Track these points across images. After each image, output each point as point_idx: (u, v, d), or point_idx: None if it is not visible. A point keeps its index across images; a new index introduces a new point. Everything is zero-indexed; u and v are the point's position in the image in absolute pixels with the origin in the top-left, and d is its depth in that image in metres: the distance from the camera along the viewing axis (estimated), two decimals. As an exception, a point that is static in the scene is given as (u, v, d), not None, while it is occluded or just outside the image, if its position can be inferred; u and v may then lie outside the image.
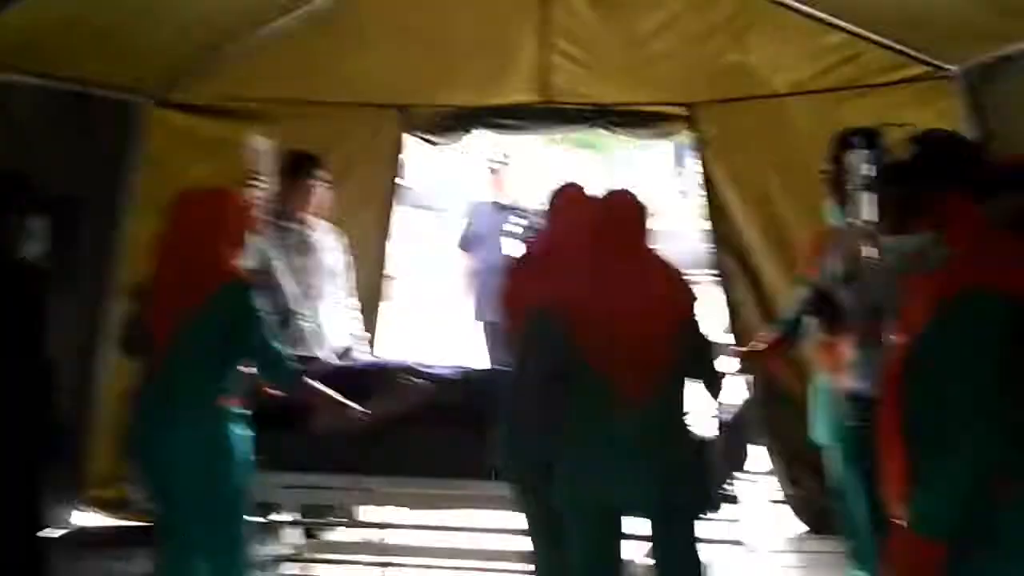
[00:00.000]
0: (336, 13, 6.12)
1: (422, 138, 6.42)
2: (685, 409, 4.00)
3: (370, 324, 6.33)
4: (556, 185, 4.46)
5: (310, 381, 4.37)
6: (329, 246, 5.72)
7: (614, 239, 3.97)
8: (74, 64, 5.35)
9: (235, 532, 4.13)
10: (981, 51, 5.20)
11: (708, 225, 6.19)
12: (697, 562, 3.96)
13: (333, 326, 5.64)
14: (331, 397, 4.44)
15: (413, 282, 8.98)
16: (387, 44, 6.15)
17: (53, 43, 4.99)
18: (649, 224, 4.03)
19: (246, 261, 4.25)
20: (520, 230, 7.38)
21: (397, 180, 6.44)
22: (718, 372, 4.14)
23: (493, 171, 7.58)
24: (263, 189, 5.24)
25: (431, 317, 10.77)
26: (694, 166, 6.36)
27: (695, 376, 4.01)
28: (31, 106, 5.21)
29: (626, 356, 3.83)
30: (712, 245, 6.20)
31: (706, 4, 5.96)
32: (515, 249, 7.21)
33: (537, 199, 7.55)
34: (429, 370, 4.92)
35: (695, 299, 4.00)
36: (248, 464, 4.14)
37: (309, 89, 6.23)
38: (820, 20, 5.80)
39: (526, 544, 4.39)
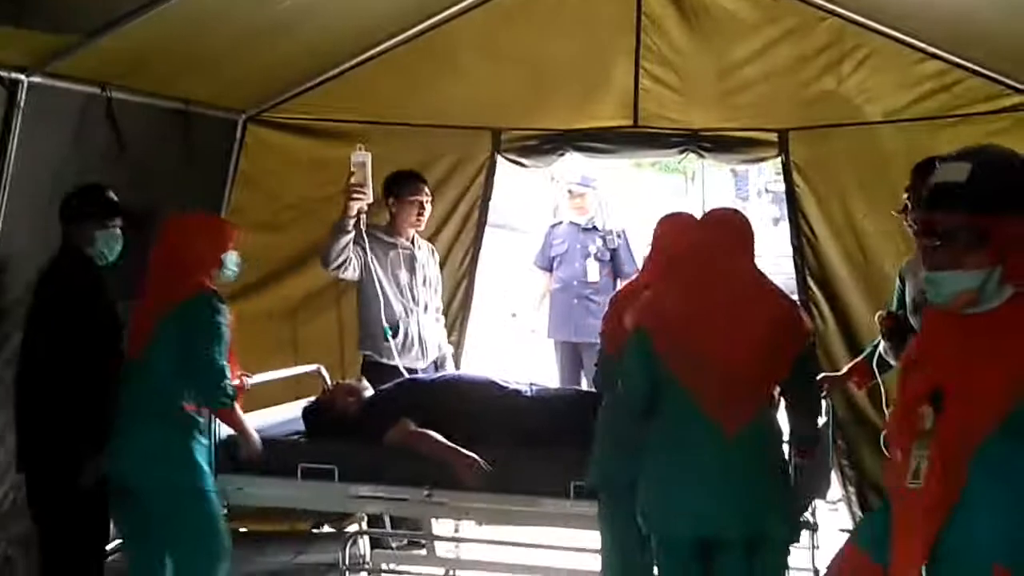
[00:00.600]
0: (432, 38, 6.23)
1: (513, 160, 6.49)
2: (776, 437, 4.00)
3: (458, 341, 6.47)
4: (664, 213, 4.44)
5: (429, 432, 4.67)
6: (429, 261, 5.89)
7: (719, 262, 3.93)
8: (177, 84, 5.53)
9: (196, 535, 4.35)
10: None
11: (794, 251, 6.19)
12: None
13: (434, 337, 5.86)
14: (445, 446, 4.63)
15: (495, 300, 9.07)
16: (481, 68, 6.25)
17: (158, 64, 5.18)
18: (754, 246, 3.99)
19: (220, 279, 4.52)
20: (599, 251, 7.47)
21: (487, 201, 6.52)
22: (818, 402, 4.13)
23: (574, 193, 7.66)
24: (364, 199, 5.41)
25: (510, 334, 10.86)
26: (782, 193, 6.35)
27: (795, 405, 4.00)
28: (137, 122, 5.38)
29: (720, 382, 3.80)
30: (798, 271, 6.19)
31: (801, 33, 5.96)
32: (593, 270, 7.35)
33: (616, 221, 7.71)
34: (507, 385, 4.99)
35: (805, 327, 3.98)
36: (202, 470, 4.37)
37: (403, 111, 6.35)
38: (916, 48, 5.78)
39: (595, 563, 4.44)
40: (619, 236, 7.55)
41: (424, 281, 5.80)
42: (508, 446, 4.65)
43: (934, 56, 5.77)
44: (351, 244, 5.47)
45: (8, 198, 4.66)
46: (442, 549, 5.90)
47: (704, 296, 3.89)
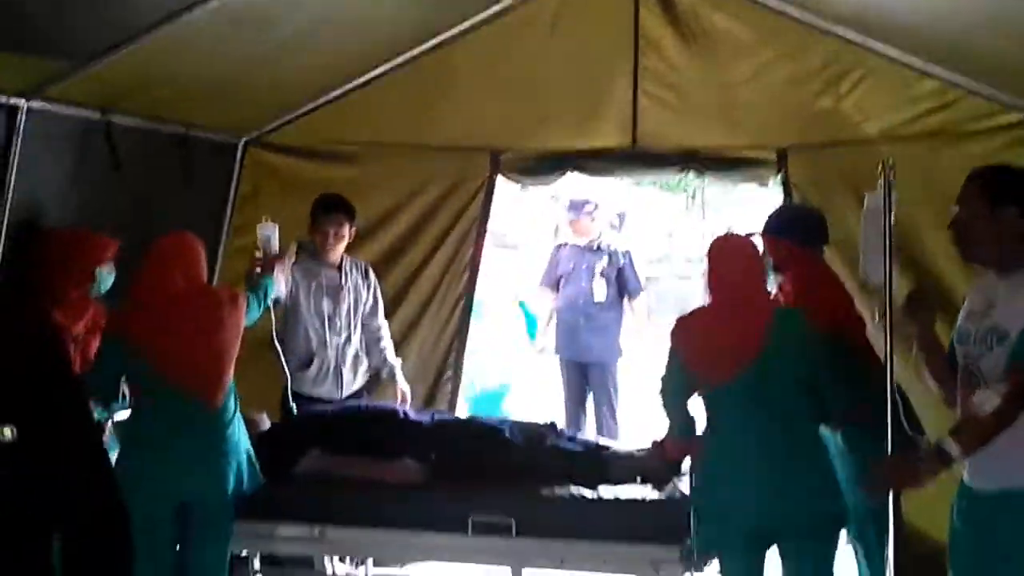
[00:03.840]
0: (431, 60, 6.27)
1: (513, 179, 6.57)
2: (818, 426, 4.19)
3: (457, 361, 6.56)
4: (717, 236, 4.67)
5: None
6: (359, 284, 5.92)
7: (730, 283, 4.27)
8: (177, 108, 5.58)
9: None
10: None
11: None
12: None
13: (356, 367, 5.87)
14: (371, 462, 4.76)
15: (495, 319, 9.11)
16: (480, 90, 6.29)
17: (158, 88, 5.23)
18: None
19: (93, 292, 4.79)
20: (605, 270, 7.54)
21: (486, 221, 6.57)
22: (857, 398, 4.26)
23: (571, 219, 7.74)
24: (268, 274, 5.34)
25: (511, 353, 10.86)
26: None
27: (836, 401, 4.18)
28: (137, 146, 5.44)
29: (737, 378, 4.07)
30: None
31: (799, 52, 5.99)
32: (600, 289, 7.41)
33: (617, 240, 7.79)
34: (408, 414, 5.07)
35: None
36: None
37: (402, 132, 6.41)
38: (914, 68, 5.81)
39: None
40: (624, 255, 7.65)
41: (351, 308, 5.82)
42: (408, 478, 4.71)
43: (932, 75, 5.80)
44: None
45: (8, 222, 4.69)
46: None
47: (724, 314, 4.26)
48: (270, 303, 5.30)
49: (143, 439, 4.55)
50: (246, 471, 4.64)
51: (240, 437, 4.65)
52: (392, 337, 6.22)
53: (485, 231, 6.61)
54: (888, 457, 3.70)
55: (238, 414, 4.67)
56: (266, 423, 5.18)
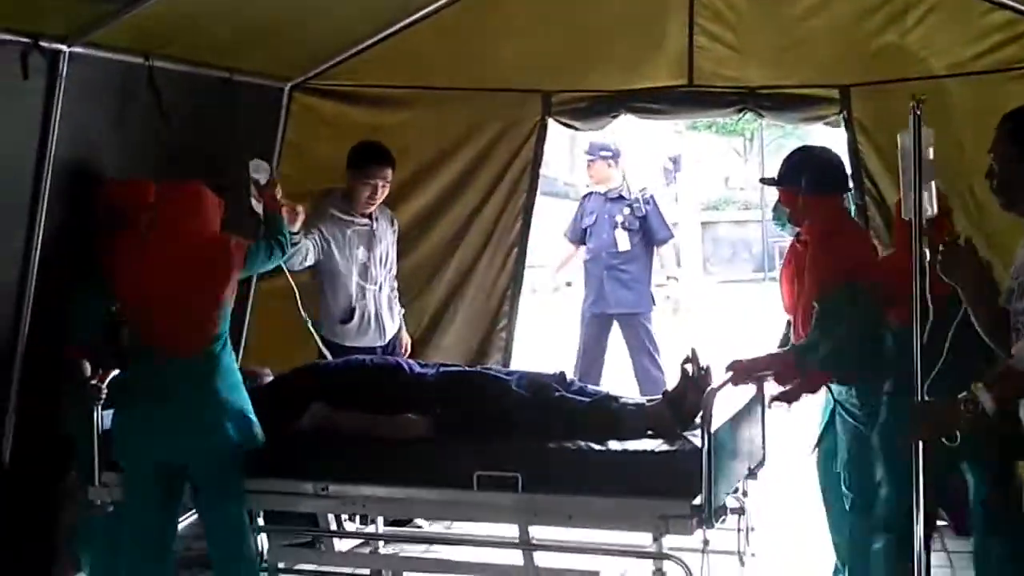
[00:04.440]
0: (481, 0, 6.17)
1: (565, 123, 6.45)
2: None
3: (512, 310, 6.53)
4: None
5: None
6: (387, 234, 5.86)
7: None
8: (221, 52, 5.52)
9: None
10: None
11: (857, 210, 5.99)
12: None
13: (392, 314, 5.85)
14: (372, 417, 4.68)
15: (548, 270, 9.08)
16: (531, 29, 6.19)
17: (202, 33, 5.17)
18: None
19: None
20: (626, 220, 7.41)
21: (538, 167, 6.49)
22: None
23: (593, 155, 7.62)
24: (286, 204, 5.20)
25: (564, 305, 10.87)
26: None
27: None
28: (180, 91, 5.39)
29: None
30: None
31: (862, -16, 5.83)
32: (622, 239, 7.30)
33: (645, 185, 7.70)
34: (413, 367, 4.96)
35: None
36: None
37: (451, 75, 6.31)
38: (982, -1, 5.64)
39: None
40: (647, 203, 7.49)
41: (381, 258, 5.77)
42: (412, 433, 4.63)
43: (1002, 6, 5.62)
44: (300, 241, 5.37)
45: (52, 171, 4.68)
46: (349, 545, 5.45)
47: None
48: (296, 245, 5.20)
49: (125, 398, 4.50)
50: (238, 427, 4.48)
51: (231, 392, 4.49)
52: (445, 287, 6.19)
53: (538, 176, 6.54)
54: (921, 404, 3.57)
55: (228, 367, 4.52)
56: (268, 376, 5.13)
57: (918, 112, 3.70)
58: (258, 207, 4.99)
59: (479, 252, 6.53)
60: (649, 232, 7.49)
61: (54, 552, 4.98)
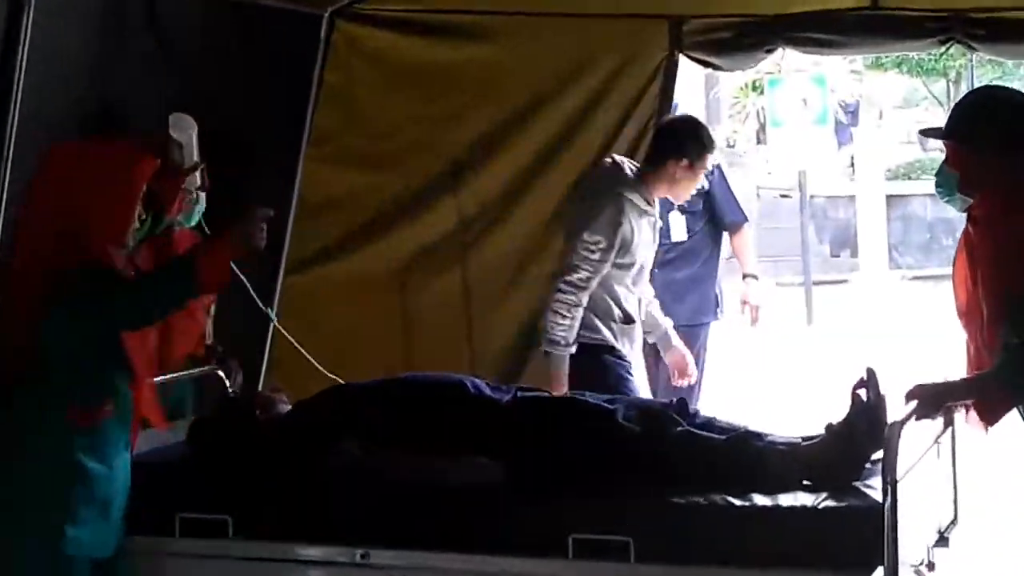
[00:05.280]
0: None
1: (700, 60, 6.42)
2: None
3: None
4: None
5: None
6: None
7: None
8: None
9: None
10: None
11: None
12: None
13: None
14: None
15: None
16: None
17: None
18: None
19: None
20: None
21: (665, 113, 6.43)
22: None
23: None
24: None
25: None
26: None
27: None
28: (187, 18, 5.46)
29: None
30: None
31: None
32: (678, 226, 7.19)
33: None
34: (483, 390, 4.90)
35: None
36: None
37: (548, -1, 6.31)
38: None
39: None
40: (711, 173, 7.20)
41: None
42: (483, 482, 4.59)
43: None
44: None
45: (19, 115, 4.71)
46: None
47: None
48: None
49: None
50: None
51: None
52: (540, 281, 6.32)
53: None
54: None
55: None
56: (286, 404, 5.11)
57: None
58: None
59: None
60: (716, 214, 7.31)
61: None
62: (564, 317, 5.72)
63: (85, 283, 4.14)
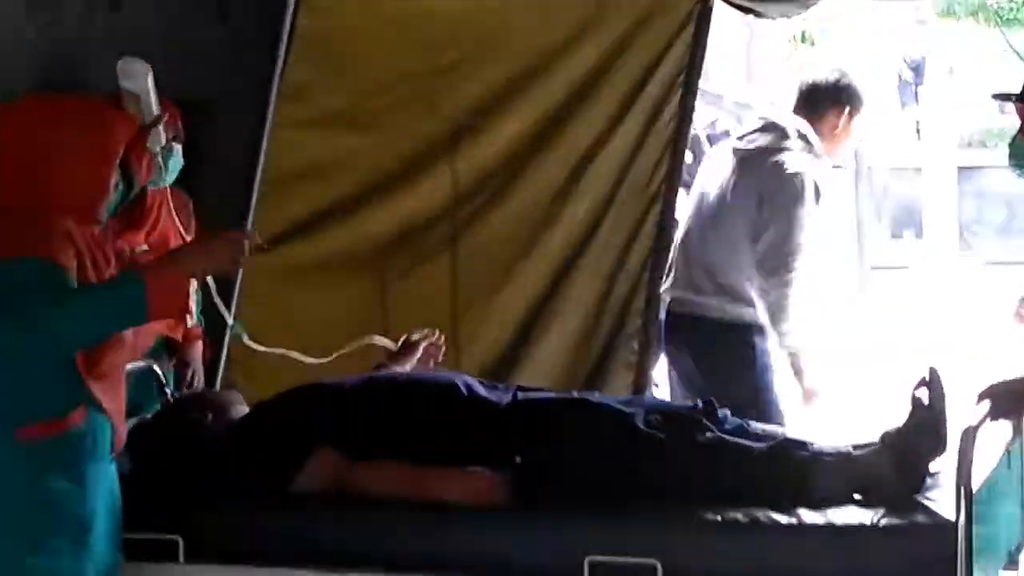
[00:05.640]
0: None
1: (738, 5, 6.36)
2: None
3: (649, 304, 6.55)
4: None
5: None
6: None
7: None
8: None
9: None
10: None
11: None
12: None
13: None
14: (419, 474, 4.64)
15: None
16: None
17: None
18: None
19: None
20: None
21: (696, 76, 6.46)
22: None
23: None
24: None
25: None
26: None
27: None
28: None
29: None
30: None
31: None
32: None
33: None
34: (478, 391, 4.91)
35: None
36: None
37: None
38: None
39: None
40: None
41: None
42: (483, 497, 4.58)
43: None
44: None
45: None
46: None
47: None
48: None
49: None
50: None
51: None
52: (548, 262, 6.42)
53: (695, 92, 6.53)
54: None
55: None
56: (242, 406, 5.08)
57: None
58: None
59: (602, 209, 6.53)
60: None
61: None
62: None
63: (21, 283, 3.93)
